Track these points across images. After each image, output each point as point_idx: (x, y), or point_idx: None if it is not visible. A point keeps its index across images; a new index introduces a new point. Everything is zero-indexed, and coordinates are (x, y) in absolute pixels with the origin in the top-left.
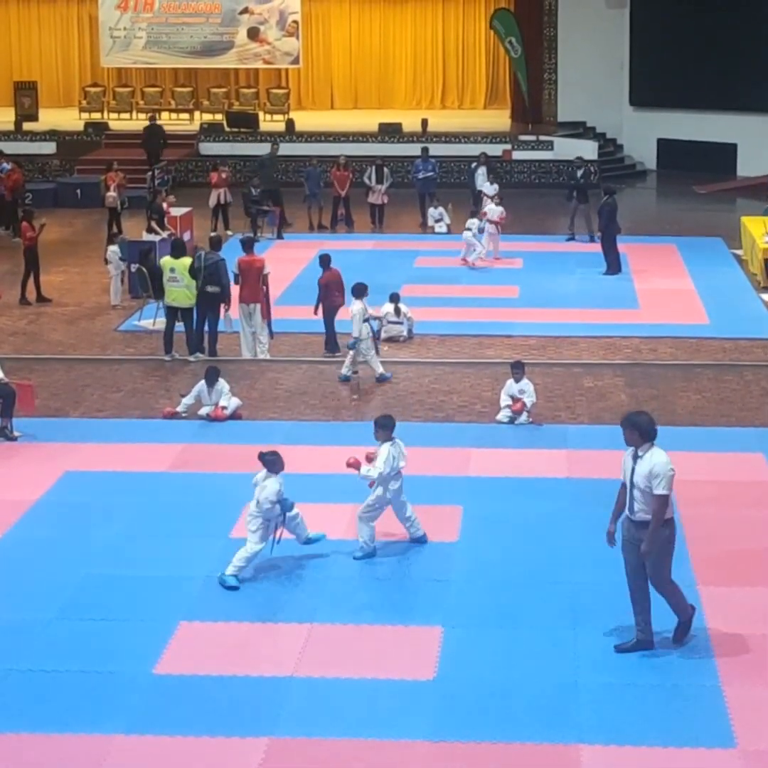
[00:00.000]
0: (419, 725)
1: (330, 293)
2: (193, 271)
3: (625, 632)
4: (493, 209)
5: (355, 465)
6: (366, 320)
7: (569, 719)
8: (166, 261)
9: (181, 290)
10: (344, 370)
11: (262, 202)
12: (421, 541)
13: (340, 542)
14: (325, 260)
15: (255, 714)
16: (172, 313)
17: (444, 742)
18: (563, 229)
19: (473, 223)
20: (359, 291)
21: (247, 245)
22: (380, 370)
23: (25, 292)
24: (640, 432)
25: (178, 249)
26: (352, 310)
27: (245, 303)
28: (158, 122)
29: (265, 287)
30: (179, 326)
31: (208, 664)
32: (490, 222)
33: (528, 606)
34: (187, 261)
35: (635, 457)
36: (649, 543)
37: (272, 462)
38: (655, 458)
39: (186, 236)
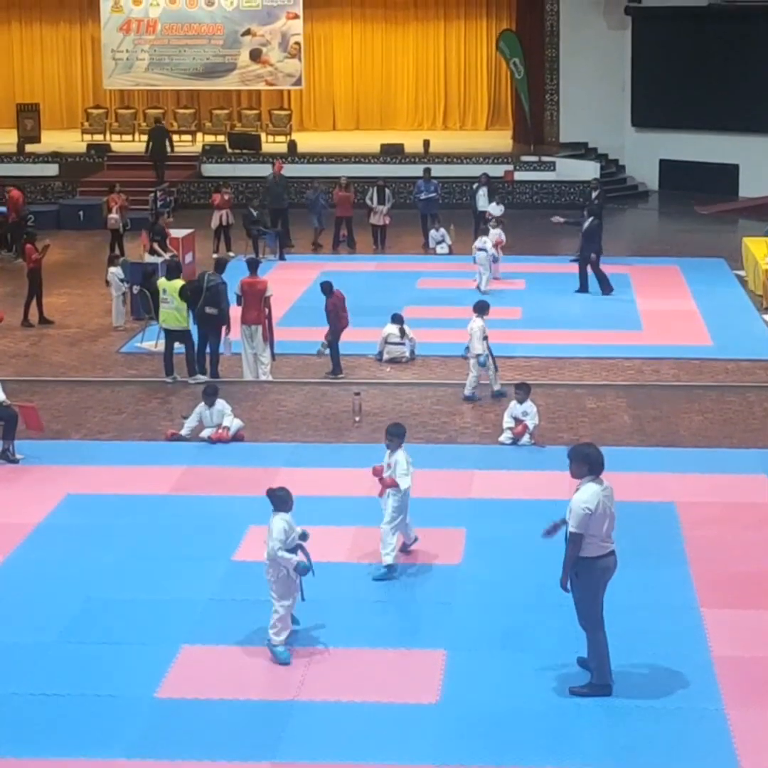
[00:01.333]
0: (423, 750)
1: (338, 318)
2: (182, 294)
3: (626, 654)
4: (491, 233)
5: (380, 473)
6: (485, 338)
7: (573, 742)
8: (161, 282)
9: (170, 312)
10: (468, 391)
11: (260, 222)
12: (412, 542)
13: (343, 566)
14: (326, 288)
15: (257, 738)
16: (169, 335)
17: (447, 766)
18: (566, 250)
19: (486, 241)
20: (482, 308)
21: (251, 267)
22: (497, 386)
23: (28, 315)
24: (590, 464)
25: (172, 271)
26: (472, 327)
27: (247, 324)
28: (163, 125)
29: (267, 309)
30: (179, 348)
31: (210, 688)
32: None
33: (532, 629)
34: (177, 283)
35: (577, 490)
36: (561, 579)
37: (282, 499)
38: (577, 496)
39: (188, 258)
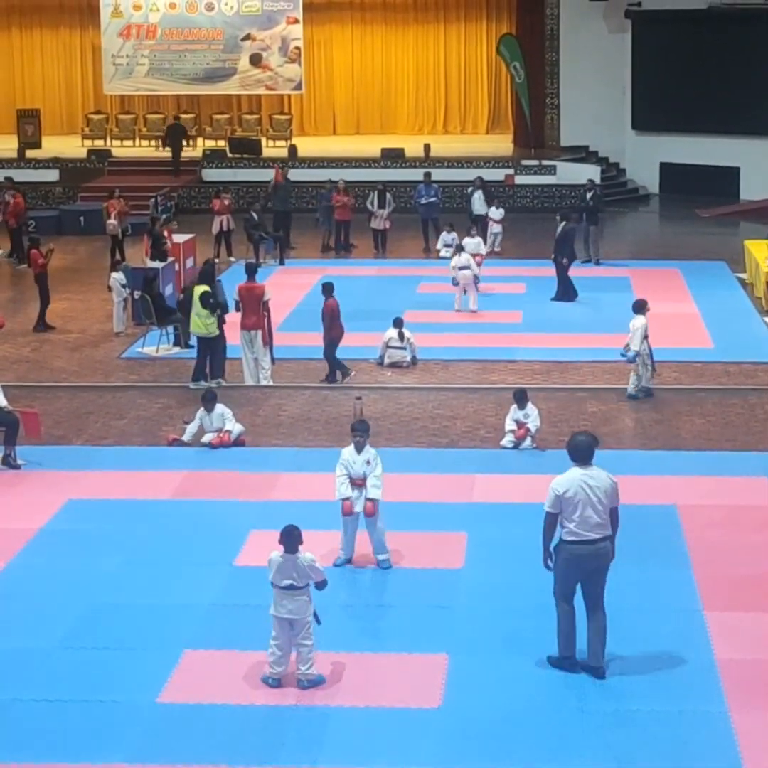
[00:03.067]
0: (425, 753)
1: (333, 325)
2: (203, 300)
3: (629, 657)
4: (469, 242)
5: (350, 509)
6: (645, 336)
7: (575, 746)
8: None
9: (194, 318)
10: (631, 389)
11: (261, 226)
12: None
13: (345, 570)
14: (328, 288)
15: (259, 743)
16: (200, 341)
17: None
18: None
19: (469, 260)
20: (640, 306)
21: (249, 272)
22: (645, 383)
23: (44, 319)
24: (570, 452)
25: (202, 276)
26: (634, 325)
27: (246, 330)
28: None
29: (266, 313)
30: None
31: (212, 693)
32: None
33: (534, 633)
34: (199, 289)
35: None
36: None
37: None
38: (556, 477)
39: (189, 263)
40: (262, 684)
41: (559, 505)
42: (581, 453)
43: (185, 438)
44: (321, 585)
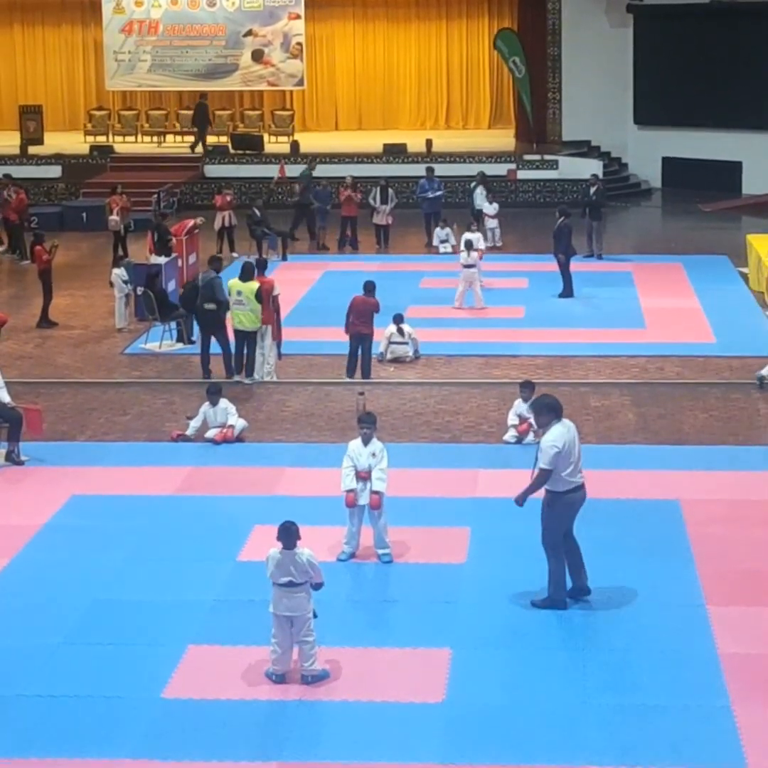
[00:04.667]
0: (428, 748)
1: (360, 318)
2: (259, 296)
3: (633, 652)
4: (469, 237)
5: (353, 501)
6: None
7: (578, 741)
8: (233, 284)
9: (245, 313)
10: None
11: (264, 222)
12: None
13: (348, 564)
14: (370, 287)
15: (263, 738)
16: (238, 336)
17: (453, 766)
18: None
19: (474, 257)
20: None
21: (259, 267)
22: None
23: (48, 315)
24: (555, 411)
25: (245, 272)
26: None
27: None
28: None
29: (277, 308)
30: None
31: (216, 688)
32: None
33: (536, 627)
34: (254, 285)
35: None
36: (519, 496)
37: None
38: (546, 436)
39: (191, 259)
40: (265, 679)
41: (556, 461)
42: (561, 408)
43: (189, 432)
44: (318, 586)
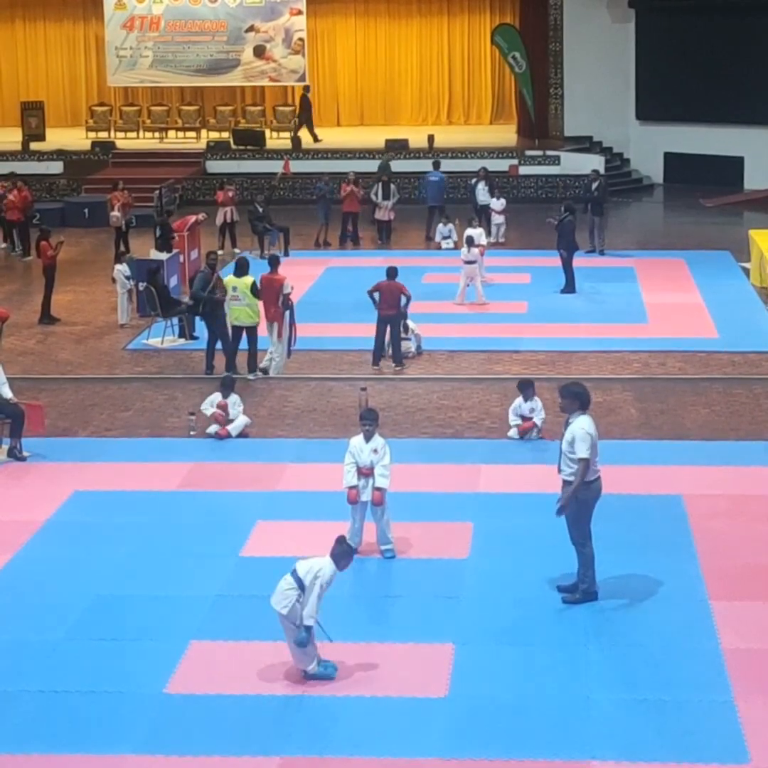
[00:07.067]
0: (431, 743)
1: (388, 300)
2: (254, 290)
3: (636, 647)
4: (471, 233)
5: (355, 498)
6: None
7: (581, 736)
8: (229, 280)
9: (242, 308)
10: None
11: (266, 218)
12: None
13: None
14: (392, 272)
15: (267, 733)
16: (236, 331)
17: (456, 760)
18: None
19: (475, 253)
20: None
21: (272, 263)
22: None
23: (49, 311)
24: (581, 402)
25: (240, 268)
26: None
27: (268, 321)
28: None
29: (289, 305)
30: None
31: (219, 683)
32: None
33: (540, 622)
34: (249, 280)
35: (566, 424)
36: (564, 499)
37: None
38: (576, 425)
39: (193, 254)
40: (267, 674)
41: (591, 448)
42: (590, 401)
43: (204, 409)
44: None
